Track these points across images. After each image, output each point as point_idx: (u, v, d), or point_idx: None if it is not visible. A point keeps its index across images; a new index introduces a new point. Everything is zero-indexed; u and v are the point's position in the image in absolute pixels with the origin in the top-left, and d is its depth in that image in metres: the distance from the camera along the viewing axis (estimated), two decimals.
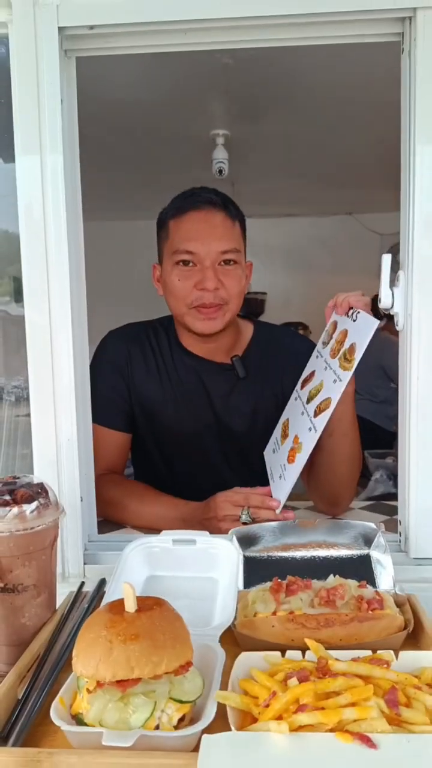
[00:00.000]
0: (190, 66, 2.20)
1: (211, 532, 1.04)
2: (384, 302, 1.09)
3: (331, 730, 0.58)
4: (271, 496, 1.19)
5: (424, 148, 1.04)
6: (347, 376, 1.12)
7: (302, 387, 1.32)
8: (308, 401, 1.24)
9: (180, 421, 1.50)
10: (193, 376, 1.50)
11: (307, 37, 1.10)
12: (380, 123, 2.52)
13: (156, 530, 1.07)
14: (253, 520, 1.16)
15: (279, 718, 0.60)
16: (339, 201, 4.44)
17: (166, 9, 1.05)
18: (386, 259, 1.07)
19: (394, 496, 1.27)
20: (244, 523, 1.15)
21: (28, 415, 1.15)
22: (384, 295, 1.09)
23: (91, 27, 1.08)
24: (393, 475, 2.24)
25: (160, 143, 3.02)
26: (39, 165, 1.09)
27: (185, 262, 1.37)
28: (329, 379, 1.19)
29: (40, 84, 1.07)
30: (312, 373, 1.31)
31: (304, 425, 1.20)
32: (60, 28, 1.06)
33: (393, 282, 1.09)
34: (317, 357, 1.32)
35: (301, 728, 0.59)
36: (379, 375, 3.35)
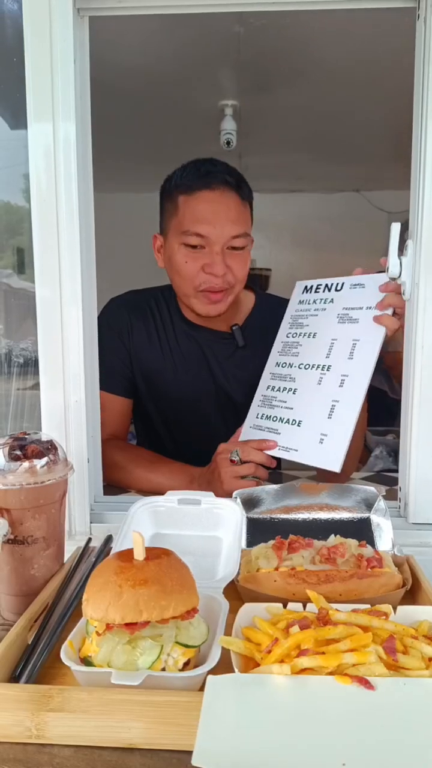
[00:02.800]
0: (199, 34, 2.18)
1: (217, 493, 1.06)
2: (392, 271, 1.09)
3: (331, 674, 0.61)
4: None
5: None
6: None
7: None
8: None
9: (180, 388, 1.52)
10: (193, 344, 1.52)
11: (321, 1, 1.09)
12: (391, 97, 2.50)
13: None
14: (242, 461, 1.22)
15: (281, 662, 0.62)
16: (347, 177, 4.40)
17: None
18: (395, 228, 1.08)
19: (393, 472, 1.28)
20: (232, 461, 1.21)
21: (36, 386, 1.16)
22: (392, 263, 1.09)
23: None
24: (393, 452, 2.27)
25: (167, 112, 2.99)
26: (51, 132, 1.08)
27: (194, 245, 1.37)
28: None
29: (53, 43, 1.06)
30: None
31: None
32: None
33: (401, 251, 1.10)
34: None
35: (302, 671, 0.61)
36: None
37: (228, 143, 3.00)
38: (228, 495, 1.16)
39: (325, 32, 2.16)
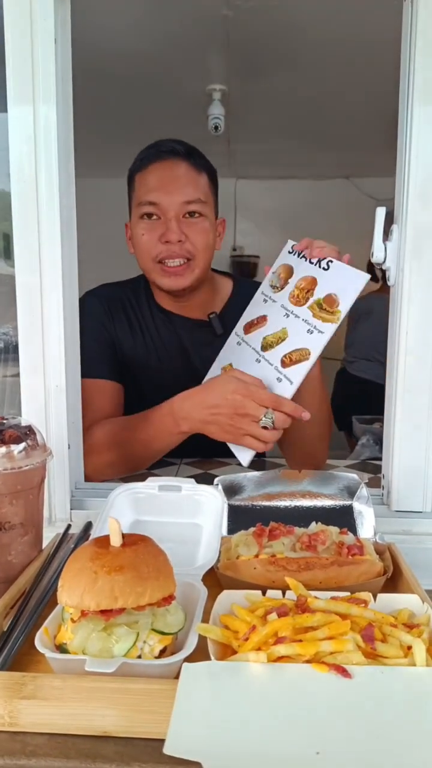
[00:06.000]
0: (187, 16, 2.15)
1: (214, 434, 1.14)
2: (377, 256, 1.08)
3: (308, 662, 0.60)
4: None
5: (422, 105, 1.02)
6: (329, 328, 1.11)
7: (248, 331, 1.28)
8: (265, 349, 1.20)
9: (162, 378, 1.50)
10: (172, 333, 1.51)
11: None
12: (380, 83, 2.48)
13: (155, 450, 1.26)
14: (274, 426, 1.10)
15: (258, 649, 0.61)
16: (336, 164, 4.38)
17: None
18: (380, 212, 1.06)
19: (379, 460, 1.28)
20: (264, 428, 1.10)
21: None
22: (377, 249, 1.08)
23: None
24: (379, 440, 2.27)
25: (154, 96, 2.95)
26: (32, 114, 1.05)
27: (149, 215, 1.38)
28: (300, 328, 1.15)
29: (33, 21, 1.03)
30: (262, 318, 1.26)
31: (268, 375, 1.16)
32: None
33: (386, 236, 1.09)
34: (266, 301, 1.27)
35: (279, 659, 0.61)
36: None
37: (216, 128, 2.97)
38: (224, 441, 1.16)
39: (314, 16, 2.14)
